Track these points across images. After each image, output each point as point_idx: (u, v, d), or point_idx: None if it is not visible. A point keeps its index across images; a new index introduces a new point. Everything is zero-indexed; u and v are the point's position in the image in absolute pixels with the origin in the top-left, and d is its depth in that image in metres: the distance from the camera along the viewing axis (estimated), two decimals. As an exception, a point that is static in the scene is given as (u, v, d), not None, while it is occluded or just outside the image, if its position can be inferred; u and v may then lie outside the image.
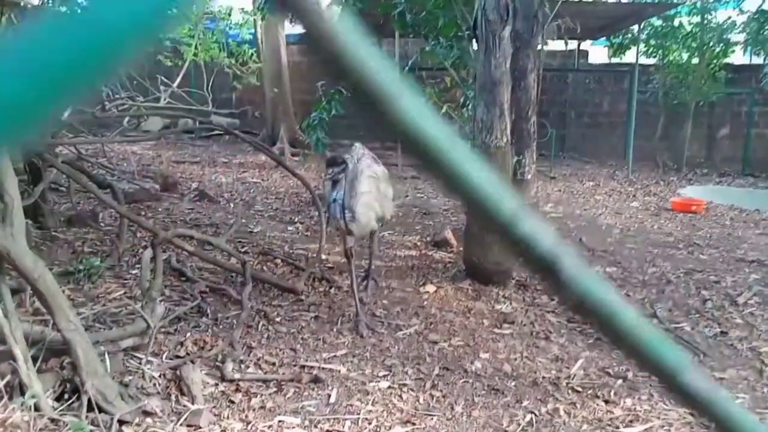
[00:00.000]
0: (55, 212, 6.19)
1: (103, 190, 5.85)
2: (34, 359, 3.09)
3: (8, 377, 2.97)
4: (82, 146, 7.32)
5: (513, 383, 3.76)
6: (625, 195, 10.91)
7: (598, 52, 17.95)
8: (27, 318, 3.62)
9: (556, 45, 14.46)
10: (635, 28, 13.93)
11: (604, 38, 15.47)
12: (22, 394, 2.91)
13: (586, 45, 16.78)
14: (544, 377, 3.85)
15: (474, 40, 6.40)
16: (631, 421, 3.40)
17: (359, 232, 4.27)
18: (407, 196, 9.56)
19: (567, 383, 3.78)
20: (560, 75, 15.97)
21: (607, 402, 3.59)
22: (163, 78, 7.84)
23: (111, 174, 7.52)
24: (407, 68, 8.13)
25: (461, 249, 5.99)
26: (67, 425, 2.88)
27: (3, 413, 2.93)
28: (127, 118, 7.71)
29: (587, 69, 16.72)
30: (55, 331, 3.24)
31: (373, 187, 4.20)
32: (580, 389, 3.72)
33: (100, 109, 5.99)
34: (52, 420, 2.95)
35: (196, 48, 9.25)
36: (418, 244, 6.70)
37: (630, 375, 3.91)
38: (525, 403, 3.53)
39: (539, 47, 6.97)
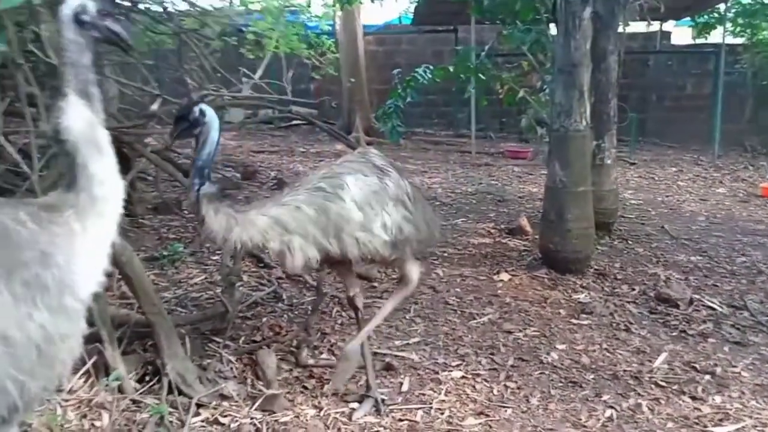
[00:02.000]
0: (142, 200, 6.51)
1: (188, 179, 6.09)
2: (119, 341, 3.25)
3: (95, 358, 3.14)
4: (167, 137, 7.66)
5: (592, 376, 3.62)
6: (711, 181, 10.27)
7: (681, 33, 16.94)
8: (114, 301, 3.84)
9: (638, 26, 13.76)
10: (722, 6, 13.08)
11: (689, 18, 14.58)
12: (107, 375, 3.07)
13: (668, 25, 15.87)
14: (625, 371, 3.69)
15: (553, 23, 6.19)
16: (720, 420, 3.20)
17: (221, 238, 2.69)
18: (481, 183, 9.40)
19: (650, 377, 3.60)
20: (641, 57, 15.21)
21: (693, 399, 3.40)
22: (245, 70, 8.05)
23: (194, 164, 7.80)
24: (483, 54, 7.94)
25: (537, 237, 5.83)
26: (148, 407, 3.02)
27: (89, 393, 3.12)
28: (210, 110, 7.98)
29: (670, 50, 15.84)
30: (139, 314, 3.40)
31: (316, 205, 2.79)
32: (664, 384, 3.54)
33: (186, 100, 6.22)
34: (134, 401, 3.09)
35: (277, 40, 9.44)
36: (492, 231, 6.58)
37: (719, 370, 3.68)
38: (605, 397, 3.39)
39: (620, 28, 6.65)
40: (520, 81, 7.91)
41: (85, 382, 3.16)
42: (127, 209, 6.38)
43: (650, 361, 3.83)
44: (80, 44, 1.91)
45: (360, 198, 2.86)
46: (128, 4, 6.27)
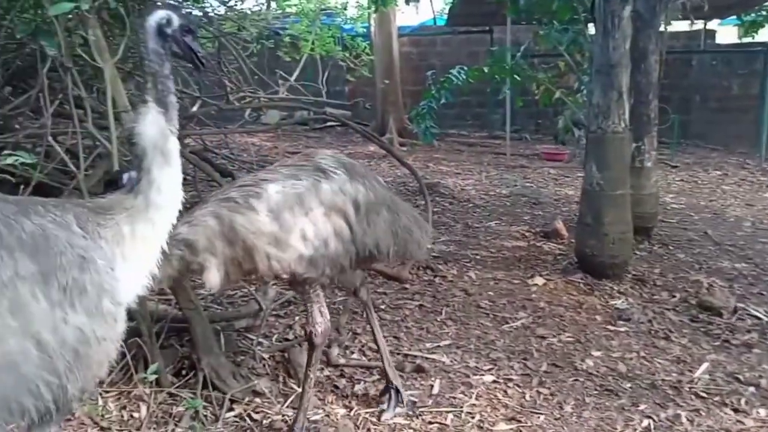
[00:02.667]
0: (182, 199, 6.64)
1: (225, 179, 6.19)
2: (157, 336, 3.33)
3: (134, 351, 3.23)
4: (207, 137, 7.81)
5: (629, 385, 3.55)
6: (758, 185, 9.94)
7: (726, 32, 16.42)
8: (153, 297, 3.93)
9: (680, 25, 13.41)
10: (769, 4, 12.63)
11: (734, 16, 14.13)
12: (146, 368, 3.15)
13: (713, 24, 15.40)
14: (663, 380, 3.60)
15: (591, 23, 6.10)
16: (764, 434, 3.10)
17: None
18: (516, 185, 9.31)
19: (690, 388, 3.51)
20: (684, 57, 14.79)
21: (736, 411, 3.29)
22: (281, 72, 8.15)
23: (232, 164, 7.95)
24: (519, 55, 7.87)
25: (573, 240, 5.74)
26: (183, 400, 3.09)
27: (128, 385, 3.21)
28: (248, 111, 8.10)
29: (714, 50, 15.36)
30: (177, 310, 3.48)
31: (221, 218, 2.54)
32: (705, 395, 3.44)
33: (224, 102, 6.33)
34: (171, 394, 3.18)
35: (312, 43, 9.54)
36: (527, 234, 6.50)
37: (764, 382, 3.56)
38: (642, 406, 3.32)
39: (661, 28, 6.51)
40: (557, 82, 7.81)
41: (125, 374, 3.25)
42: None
43: (691, 370, 3.73)
44: (161, 55, 1.99)
45: (278, 206, 2.53)
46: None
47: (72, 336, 1.69)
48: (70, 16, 3.44)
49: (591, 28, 6.15)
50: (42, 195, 4.97)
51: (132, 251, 1.91)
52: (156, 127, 1.95)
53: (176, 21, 2.01)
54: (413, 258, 3.76)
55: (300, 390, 3.21)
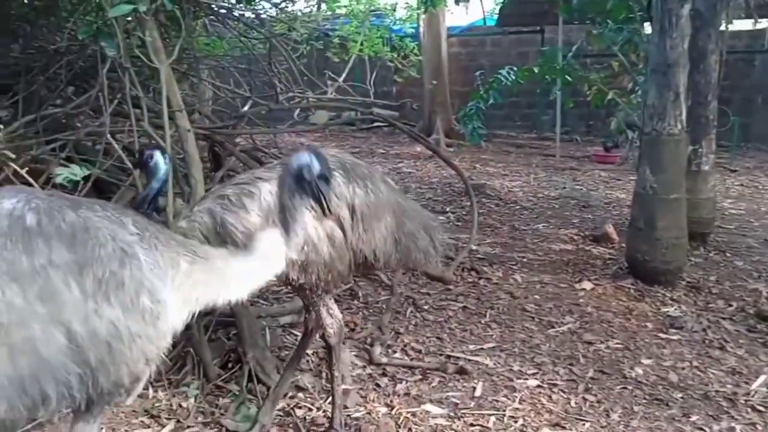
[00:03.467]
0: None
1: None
2: (206, 329, 3.43)
3: (183, 343, 3.32)
4: (257, 137, 7.96)
5: (680, 395, 3.43)
6: (825, 191, 9.45)
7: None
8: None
9: (742, 24, 12.87)
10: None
11: (802, 14, 13.46)
12: (194, 360, 3.24)
13: (777, 24, 14.72)
14: (717, 391, 3.47)
15: (647, 22, 5.93)
16: (826, 452, 2.95)
17: None
18: (565, 187, 9.13)
19: (746, 401, 3.37)
20: (746, 57, 14.19)
21: (795, 427, 3.15)
22: (330, 73, 8.25)
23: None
24: (571, 55, 7.72)
25: (623, 245, 5.59)
26: (229, 392, 3.17)
27: (178, 375, 3.31)
28: (297, 111, 8.23)
29: (779, 50, 14.69)
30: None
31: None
32: (762, 408, 3.30)
33: (274, 102, 6.45)
34: (217, 386, 3.26)
35: (361, 44, 9.61)
36: (575, 238, 6.37)
37: (827, 398, 3.38)
38: (693, 418, 3.20)
39: (722, 27, 6.27)
40: (610, 82, 7.63)
41: (174, 365, 3.35)
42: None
43: (747, 382, 3.57)
44: (294, 192, 2.20)
45: (270, 208, 2.48)
46: (224, 11, 6.58)
47: (104, 329, 1.72)
48: (128, 18, 3.57)
49: (647, 28, 5.98)
50: (100, 191, 5.18)
51: (182, 285, 1.98)
52: (272, 245, 2.16)
53: (316, 169, 2.19)
54: (418, 268, 3.66)
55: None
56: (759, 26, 13.87)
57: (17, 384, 1.62)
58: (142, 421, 2.97)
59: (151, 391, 3.19)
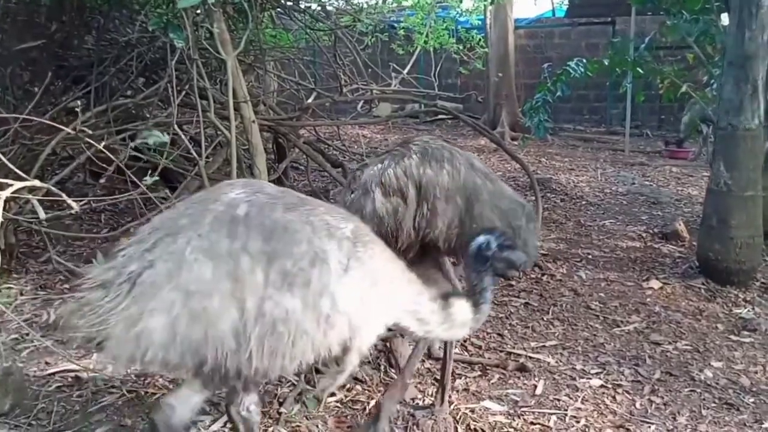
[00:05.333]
0: (294, 188, 6.92)
1: (335, 170, 6.38)
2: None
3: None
4: (320, 129, 8.07)
5: (752, 399, 3.26)
6: None
7: None
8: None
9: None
10: None
11: None
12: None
13: None
14: (793, 398, 3.27)
15: (724, 12, 5.62)
16: None
17: None
18: (634, 183, 8.80)
19: (825, 410, 3.16)
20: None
21: None
22: (394, 65, 8.27)
23: (343, 155, 8.16)
24: (643, 47, 7.40)
25: (694, 243, 5.34)
26: (288, 383, 3.20)
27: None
28: (360, 104, 8.29)
29: None
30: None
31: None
32: (842, 419, 3.09)
33: (338, 94, 6.51)
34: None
35: (426, 36, 9.57)
36: (644, 235, 6.13)
37: None
38: (766, 424, 3.04)
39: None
40: (684, 75, 7.27)
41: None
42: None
43: (827, 390, 3.35)
44: (480, 272, 2.36)
45: (359, 188, 2.87)
46: (290, 3, 6.69)
47: (276, 312, 1.89)
48: (197, 10, 3.68)
49: (724, 18, 5.66)
50: (167, 180, 5.37)
51: (380, 304, 2.15)
52: (463, 315, 2.35)
53: (494, 243, 2.36)
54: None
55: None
56: None
57: (188, 344, 1.85)
58: (202, 408, 3.00)
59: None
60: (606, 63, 6.89)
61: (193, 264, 1.87)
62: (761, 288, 4.71)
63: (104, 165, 4.34)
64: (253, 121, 3.79)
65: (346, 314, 1.99)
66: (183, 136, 3.86)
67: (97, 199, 4.81)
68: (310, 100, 6.41)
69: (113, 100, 4.61)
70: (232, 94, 3.57)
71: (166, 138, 3.18)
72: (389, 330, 2.35)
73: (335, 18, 7.11)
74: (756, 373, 3.54)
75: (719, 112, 4.96)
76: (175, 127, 3.78)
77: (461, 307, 2.34)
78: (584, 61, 7.00)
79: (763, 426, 3.02)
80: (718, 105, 5.04)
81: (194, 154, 3.84)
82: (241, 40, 4.15)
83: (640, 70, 6.88)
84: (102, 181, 5.79)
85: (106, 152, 3.15)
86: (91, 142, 3.21)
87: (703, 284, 4.75)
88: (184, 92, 4.30)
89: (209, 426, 2.91)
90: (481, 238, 2.37)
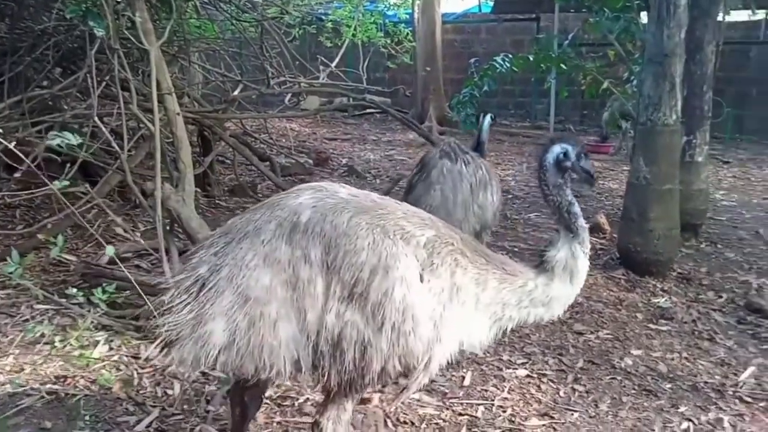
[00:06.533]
0: (220, 182, 6.74)
1: (263, 163, 6.25)
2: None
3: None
4: (247, 122, 7.89)
5: (669, 386, 3.43)
6: (815, 184, 9.50)
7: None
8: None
9: (738, 15, 12.83)
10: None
11: (799, 6, 13.45)
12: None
13: (774, 15, 14.69)
14: (706, 382, 3.47)
15: (644, 11, 5.88)
16: (812, 443, 2.96)
17: None
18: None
19: (734, 392, 3.37)
20: (742, 48, 14.17)
21: (783, 418, 3.16)
22: (322, 58, 8.18)
23: (271, 148, 8.02)
24: (567, 43, 7.67)
25: (615, 235, 5.59)
26: (216, 379, 3.12)
27: (163, 362, 3.26)
28: (288, 97, 8.19)
29: (775, 42, 14.69)
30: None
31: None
32: (749, 400, 3.30)
33: (265, 87, 6.38)
34: (203, 374, 3.19)
35: (355, 29, 9.52)
36: (568, 228, 6.35)
37: (815, 390, 3.40)
38: (682, 408, 3.21)
39: (719, 17, 6.23)
40: (605, 72, 7.57)
41: (161, 351, 3.31)
42: (206, 190, 6.66)
43: (735, 374, 3.58)
44: (560, 186, 2.23)
45: None
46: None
47: (336, 325, 1.88)
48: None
49: (644, 17, 5.93)
50: (87, 175, 5.11)
51: (489, 304, 2.12)
52: (570, 254, 2.21)
53: (572, 152, 2.23)
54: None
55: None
56: (755, 17, 13.85)
57: (246, 349, 1.88)
58: (126, 409, 2.93)
59: (136, 378, 3.15)
60: (531, 59, 7.08)
61: (253, 270, 1.89)
62: (678, 278, 4.98)
63: (20, 158, 4.09)
64: (178, 114, 3.65)
65: (413, 329, 1.92)
66: (104, 129, 3.66)
67: (11, 194, 4.52)
68: (236, 93, 6.25)
69: (29, 91, 4.35)
70: (156, 86, 3.42)
71: (76, 140, 3.00)
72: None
73: (262, 9, 6.95)
74: (673, 360, 3.73)
75: (639, 108, 5.17)
76: (96, 119, 3.59)
77: (562, 252, 2.20)
78: (510, 56, 7.17)
79: (679, 410, 3.19)
80: (638, 101, 5.26)
81: (116, 147, 3.66)
82: (165, 30, 3.98)
83: (564, 66, 7.11)
84: (17, 175, 5.46)
85: (14, 149, 2.94)
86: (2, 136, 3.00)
87: (623, 275, 4.97)
88: (104, 83, 4.09)
89: (134, 426, 2.79)
90: (558, 147, 2.23)
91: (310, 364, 1.92)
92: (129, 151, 4.12)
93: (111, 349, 3.40)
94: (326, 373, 1.92)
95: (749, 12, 11.50)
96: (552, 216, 2.25)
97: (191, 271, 1.98)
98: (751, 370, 3.62)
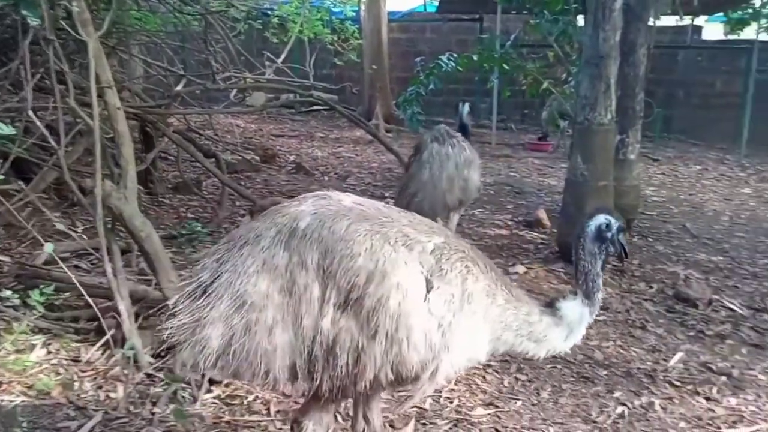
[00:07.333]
0: (163, 179, 6.58)
1: (208, 160, 6.15)
2: (136, 316, 3.30)
3: (112, 331, 3.20)
4: (191, 118, 7.72)
5: (605, 372, 3.60)
6: (736, 181, 10.09)
7: (713, 28, 16.54)
8: (132, 277, 3.89)
9: (667, 20, 13.47)
10: (757, 2, 12.73)
11: (721, 13, 14.24)
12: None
13: (700, 20, 15.50)
14: (638, 368, 3.66)
15: (581, 14, 6.10)
16: (734, 422, 3.17)
17: None
18: (500, 174, 9.34)
19: (664, 376, 3.58)
20: (670, 52, 14.88)
21: (708, 399, 3.37)
22: (269, 54, 8.08)
23: (216, 145, 7.88)
24: (509, 44, 7.84)
25: (555, 230, 5.79)
26: (162, 381, 3.07)
27: (105, 365, 3.18)
28: (233, 93, 8.05)
29: (700, 46, 15.48)
30: (157, 291, 3.45)
31: None
32: (678, 384, 3.51)
33: (210, 82, 6.26)
34: (149, 375, 3.14)
35: (301, 25, 9.44)
36: (509, 223, 6.54)
37: (735, 372, 3.64)
38: (617, 394, 3.38)
39: (650, 22, 6.53)
40: (545, 72, 7.81)
41: (102, 354, 3.23)
42: (149, 187, 6.48)
43: (665, 359, 3.80)
44: (594, 255, 2.26)
45: None
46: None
47: (331, 331, 1.87)
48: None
49: (581, 20, 6.15)
50: (20, 171, 4.89)
51: (494, 321, 2.12)
52: (578, 315, 2.24)
53: (614, 224, 2.27)
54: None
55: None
56: (683, 23, 14.56)
57: (243, 354, 1.89)
58: (67, 414, 2.84)
59: (76, 381, 3.06)
60: (475, 58, 7.22)
61: (252, 276, 1.91)
62: (612, 270, 5.19)
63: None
64: (119, 108, 3.54)
65: (414, 337, 1.91)
66: (39, 123, 3.51)
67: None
68: (179, 88, 6.10)
69: (-46, 83, 4.12)
70: (95, 79, 3.31)
71: (9, 130, 2.87)
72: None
73: (206, 2, 6.81)
74: (608, 347, 3.91)
75: (576, 107, 5.37)
76: (30, 113, 3.44)
77: (572, 309, 2.23)
78: (455, 56, 7.29)
79: (614, 395, 3.36)
80: (576, 101, 5.46)
81: (52, 142, 3.52)
82: (104, 21, 3.85)
83: (506, 67, 7.28)
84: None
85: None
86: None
87: (562, 268, 5.15)
88: (39, 75, 3.92)
89: (75, 431, 2.71)
90: (602, 217, 2.26)
91: (306, 371, 1.92)
92: (66, 147, 3.98)
93: (49, 352, 3.29)
94: (319, 378, 1.92)
95: (677, 17, 12.06)
96: (573, 277, 2.32)
97: (195, 276, 2.02)
98: (679, 355, 3.84)
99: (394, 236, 1.97)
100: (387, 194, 7.52)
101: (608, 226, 2.26)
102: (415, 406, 3.12)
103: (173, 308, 1.97)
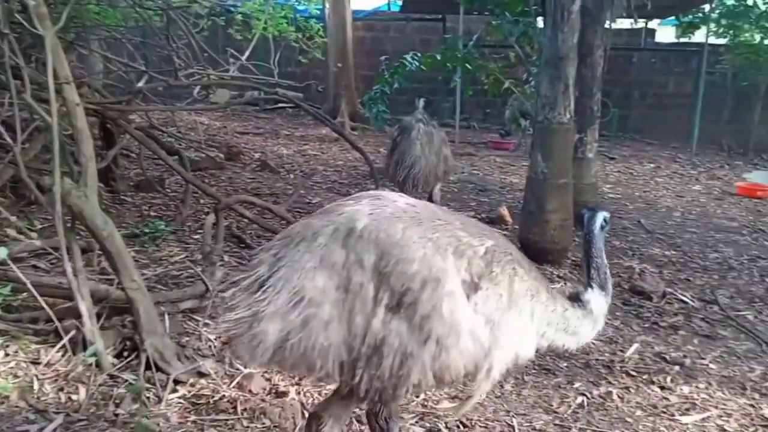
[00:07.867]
0: (125, 177, 6.46)
1: (171, 157, 6.05)
2: (98, 316, 3.23)
3: (73, 332, 3.13)
4: (153, 115, 7.58)
5: (565, 364, 3.71)
6: (688, 178, 10.47)
7: (665, 31, 17.09)
8: (94, 276, 3.82)
9: (622, 23, 13.86)
10: (706, 7, 13.23)
11: (673, 17, 14.73)
12: (85, 349, 3.04)
13: (653, 23, 16.00)
14: (597, 360, 3.79)
15: (541, 16, 6.23)
16: (687, 410, 3.31)
17: None
18: (463, 172, 9.46)
19: (621, 367, 3.71)
20: (625, 54, 15.31)
21: (662, 388, 3.51)
22: (232, 51, 8.00)
23: (179, 142, 7.76)
24: (471, 44, 7.95)
25: (516, 226, 5.91)
26: (125, 382, 3.02)
27: (66, 367, 3.11)
28: (197, 89, 7.94)
29: (654, 48, 15.97)
30: (119, 290, 3.39)
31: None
32: (634, 374, 3.64)
33: (173, 78, 6.16)
34: (111, 376, 3.07)
35: (265, 22, 9.36)
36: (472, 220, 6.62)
37: (688, 362, 3.80)
38: (577, 384, 3.48)
39: (607, 24, 6.72)
40: (507, 72, 7.94)
41: (63, 356, 3.16)
42: (110, 185, 6.34)
43: (622, 350, 3.93)
44: (600, 249, 2.41)
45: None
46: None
47: (380, 332, 1.89)
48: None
49: (541, 21, 6.29)
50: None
51: (540, 317, 2.20)
52: (602, 306, 2.38)
53: (608, 216, 2.49)
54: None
55: (246, 370, 3.21)
56: (637, 26, 14.99)
57: (299, 349, 1.91)
58: (26, 417, 2.76)
59: (36, 383, 2.99)
60: (438, 58, 7.30)
61: (309, 272, 1.94)
62: (572, 265, 5.35)
63: None
64: (78, 105, 3.47)
65: (467, 339, 1.94)
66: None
67: None
68: (141, 84, 5.99)
69: None
70: (53, 75, 3.24)
71: None
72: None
73: (167, -3, 6.71)
74: (568, 339, 4.02)
75: (537, 107, 5.49)
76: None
77: (596, 301, 2.35)
78: (419, 55, 7.36)
79: (574, 386, 3.46)
80: (536, 101, 5.58)
81: (8, 139, 3.43)
82: (61, 15, 3.77)
83: (469, 66, 7.39)
84: None
85: None
86: None
87: (524, 263, 5.26)
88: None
89: (39, 434, 2.66)
90: (601, 215, 2.44)
91: (350, 368, 1.94)
92: (23, 143, 3.88)
93: (7, 355, 3.19)
94: (360, 377, 1.93)
95: (632, 21, 12.40)
96: (585, 273, 2.45)
97: (251, 270, 2.05)
98: (635, 346, 3.98)
99: (446, 242, 2.01)
100: (353, 191, 7.54)
101: (606, 220, 2.47)
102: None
103: (229, 301, 1.99)
